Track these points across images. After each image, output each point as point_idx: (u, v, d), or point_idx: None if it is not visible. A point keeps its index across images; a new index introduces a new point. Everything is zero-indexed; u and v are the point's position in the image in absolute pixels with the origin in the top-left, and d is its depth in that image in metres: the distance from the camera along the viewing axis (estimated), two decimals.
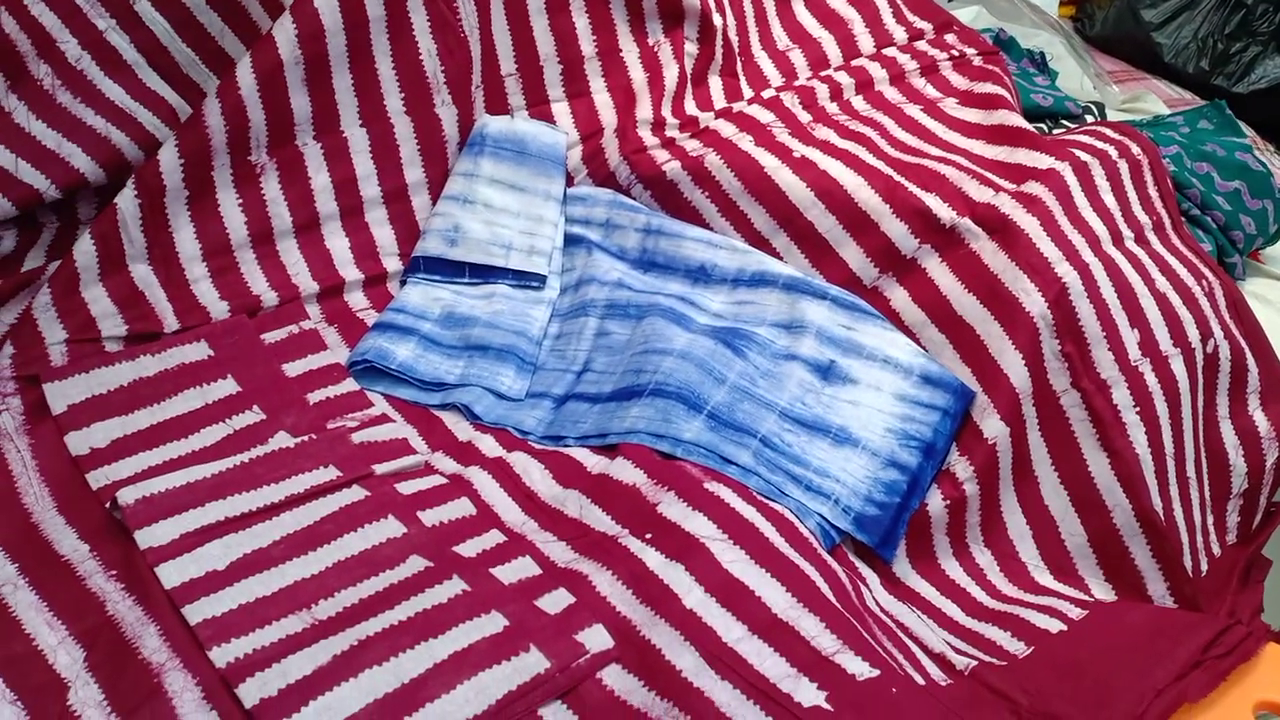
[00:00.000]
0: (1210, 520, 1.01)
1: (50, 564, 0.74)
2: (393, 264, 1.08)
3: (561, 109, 1.19)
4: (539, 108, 1.18)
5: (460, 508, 0.82)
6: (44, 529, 0.76)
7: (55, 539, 0.75)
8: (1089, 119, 1.43)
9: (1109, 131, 1.19)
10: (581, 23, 1.20)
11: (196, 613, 0.70)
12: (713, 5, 1.24)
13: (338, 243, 1.06)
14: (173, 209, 0.97)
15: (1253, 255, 1.35)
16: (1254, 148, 1.36)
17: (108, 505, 0.77)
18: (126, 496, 0.76)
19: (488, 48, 1.15)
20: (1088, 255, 1.00)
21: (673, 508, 0.80)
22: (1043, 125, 1.39)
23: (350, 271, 1.05)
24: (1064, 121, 1.41)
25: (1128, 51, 1.98)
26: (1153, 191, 1.16)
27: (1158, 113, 1.67)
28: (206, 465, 0.80)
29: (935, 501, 0.92)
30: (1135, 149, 1.16)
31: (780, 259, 1.07)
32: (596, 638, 0.72)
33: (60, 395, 0.84)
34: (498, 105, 1.16)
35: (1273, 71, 1.86)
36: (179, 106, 1.05)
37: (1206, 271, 1.12)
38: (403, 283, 1.08)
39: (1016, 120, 1.18)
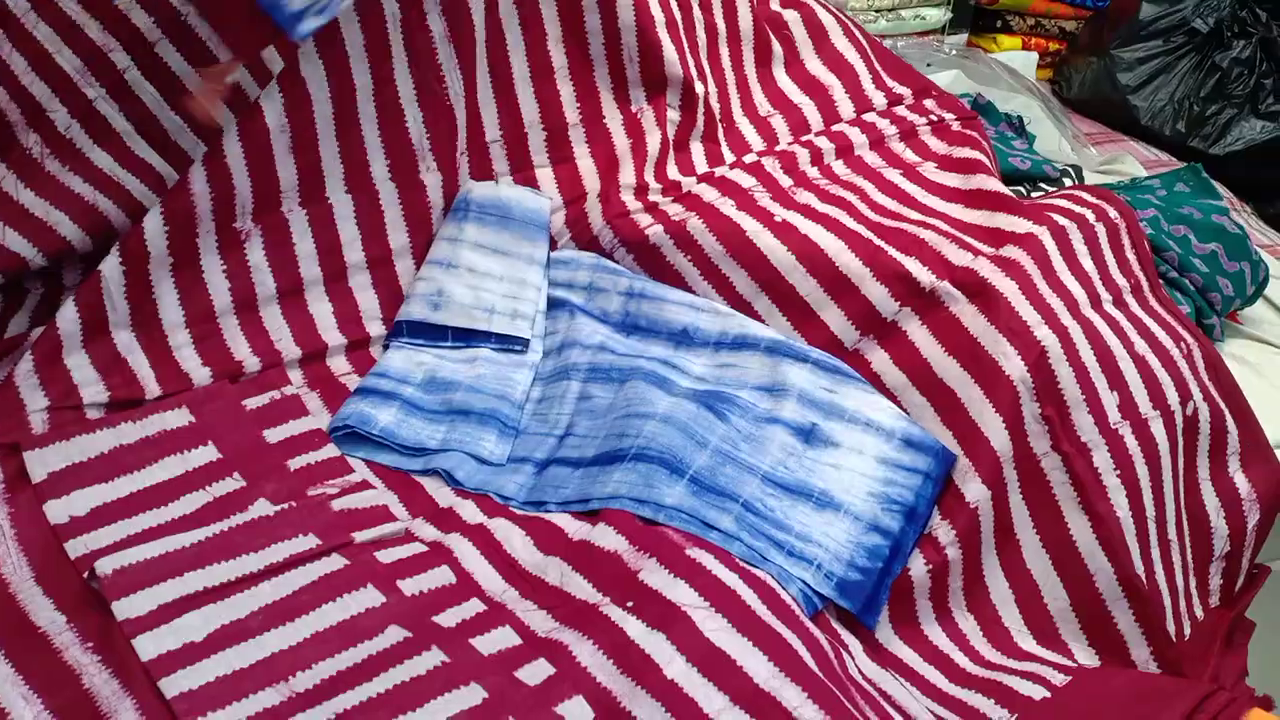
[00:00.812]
0: (1193, 583, 1.01)
1: (27, 635, 0.73)
2: (375, 328, 1.09)
3: (546, 174, 1.20)
4: (523, 173, 1.20)
5: (440, 576, 0.82)
6: (21, 599, 0.75)
7: (32, 610, 0.75)
8: (1066, 182, 1.45)
9: (1086, 195, 1.20)
10: (566, 91, 1.21)
11: (173, 685, 0.69)
12: (694, 73, 1.26)
13: (321, 308, 1.06)
14: (156, 275, 0.98)
15: (1230, 317, 1.37)
16: (1230, 210, 1.38)
17: (85, 575, 0.76)
18: (104, 566, 0.75)
19: (473, 115, 1.16)
20: (1066, 319, 1.01)
21: (654, 575, 0.80)
22: (1021, 188, 1.41)
23: (333, 336, 1.06)
24: (1042, 184, 1.43)
25: (1105, 114, 2.02)
26: (1130, 255, 1.18)
27: (1135, 175, 1.70)
28: (186, 534, 0.80)
29: (918, 566, 0.92)
30: (1112, 213, 1.18)
31: (762, 322, 1.08)
32: (577, 710, 0.71)
33: (40, 463, 0.84)
34: (483, 171, 1.18)
35: (1248, 134, 1.89)
36: (167, 175, 1.06)
37: (1185, 333, 1.13)
38: (385, 347, 1.08)
39: (994, 185, 1.20)
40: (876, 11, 2.04)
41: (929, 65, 1.76)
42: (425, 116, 1.11)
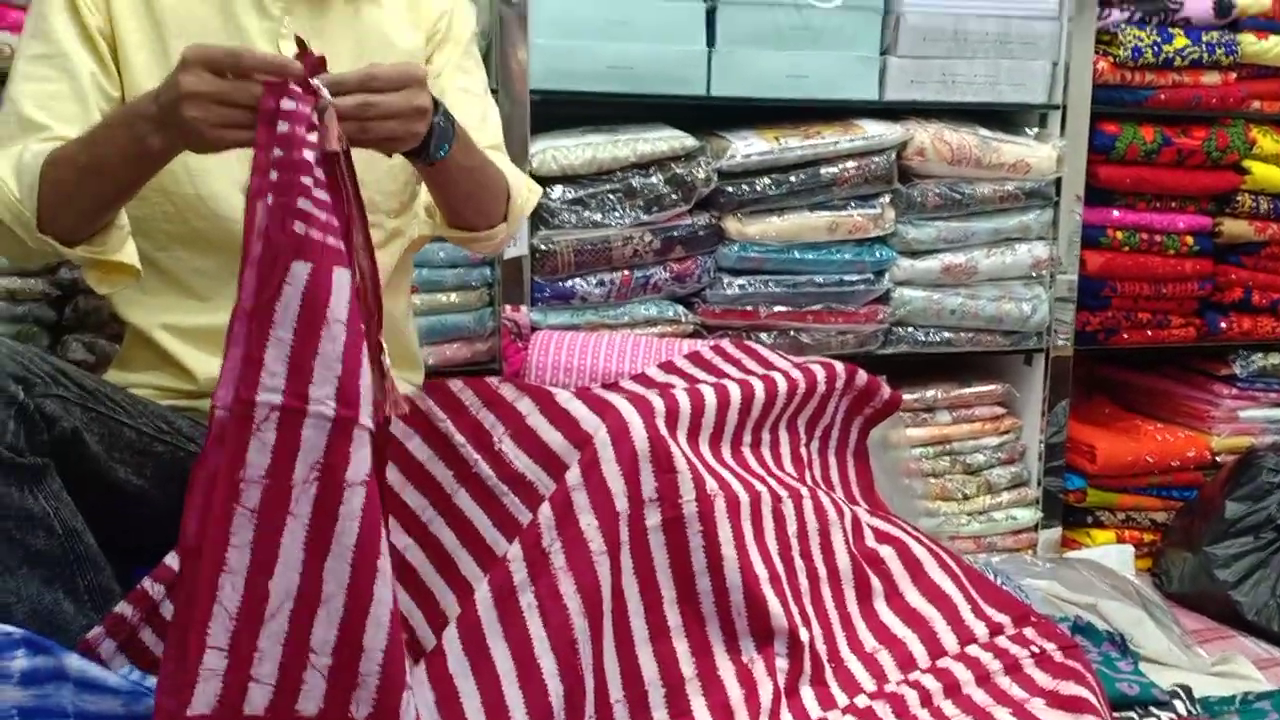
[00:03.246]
0: None
1: None
2: None
3: None
4: None
5: None
6: None
7: None
8: (1177, 705, 1.46)
9: None
10: (682, 647, 1.31)
11: None
12: (799, 621, 1.35)
13: None
14: None
15: None
16: None
17: None
18: None
19: (599, 676, 1.26)
20: None
21: None
22: (1132, 714, 1.43)
23: None
24: (1152, 709, 1.44)
25: (1209, 609, 2.02)
26: None
27: (1248, 675, 1.70)
28: None
29: None
30: None
31: None
32: None
33: None
34: None
35: None
36: None
37: None
38: None
39: None
40: (969, 515, 2.15)
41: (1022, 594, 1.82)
42: (564, 689, 1.20)
